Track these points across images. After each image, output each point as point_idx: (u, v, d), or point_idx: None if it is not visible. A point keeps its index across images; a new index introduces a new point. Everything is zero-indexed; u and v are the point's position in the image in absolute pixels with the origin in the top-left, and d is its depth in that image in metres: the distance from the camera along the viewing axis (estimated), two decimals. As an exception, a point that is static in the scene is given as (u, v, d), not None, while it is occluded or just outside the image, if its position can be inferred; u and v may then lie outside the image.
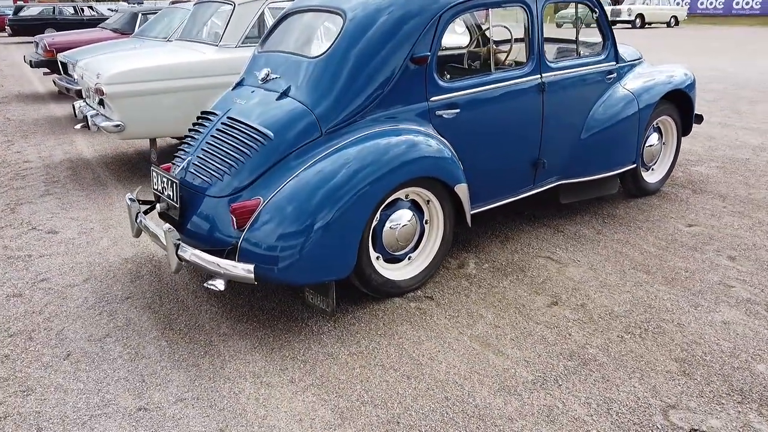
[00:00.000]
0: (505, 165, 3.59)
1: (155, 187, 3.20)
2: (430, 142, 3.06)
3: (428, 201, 3.21)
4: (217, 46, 5.50)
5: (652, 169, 4.60)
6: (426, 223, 3.26)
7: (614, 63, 4.12)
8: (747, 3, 30.91)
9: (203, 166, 3.00)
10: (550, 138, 3.73)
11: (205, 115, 3.31)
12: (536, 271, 3.44)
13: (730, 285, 3.23)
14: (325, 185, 2.77)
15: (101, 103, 5.28)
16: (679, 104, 4.55)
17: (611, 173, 4.10)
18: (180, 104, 5.27)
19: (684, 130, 4.66)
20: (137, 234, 3.35)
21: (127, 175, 5.69)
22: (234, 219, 2.76)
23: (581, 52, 3.98)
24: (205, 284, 2.79)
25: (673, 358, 2.62)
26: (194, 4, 6.52)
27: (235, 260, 2.75)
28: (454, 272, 3.46)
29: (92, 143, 6.99)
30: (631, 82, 4.22)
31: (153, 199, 3.52)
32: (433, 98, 3.19)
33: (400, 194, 3.07)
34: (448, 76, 3.31)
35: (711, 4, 32.18)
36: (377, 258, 3.07)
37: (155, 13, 10.40)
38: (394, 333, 2.86)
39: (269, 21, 6.25)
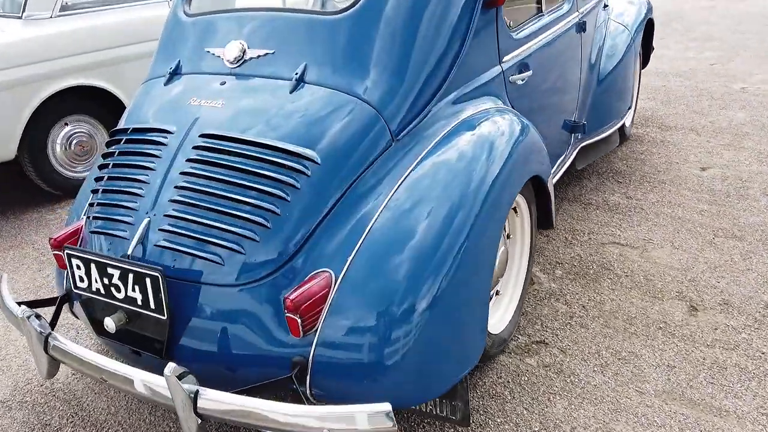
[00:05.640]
0: (556, 134, 2.72)
1: (83, 287, 1.71)
2: (526, 128, 2.04)
3: (514, 209, 2.22)
4: (20, 18, 3.64)
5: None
6: (508, 237, 2.28)
7: (604, -9, 3.43)
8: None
9: (191, 233, 1.62)
10: (583, 90, 2.94)
11: (141, 135, 1.85)
12: (622, 265, 2.68)
13: (823, 234, 2.81)
14: (427, 232, 1.62)
15: None
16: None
17: (620, 122, 3.47)
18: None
19: (644, 62, 4.22)
20: (51, 373, 1.82)
21: None
22: (298, 319, 1.50)
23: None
24: None
25: None
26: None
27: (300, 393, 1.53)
28: (531, 294, 2.55)
29: None
30: (615, 13, 3.58)
31: (44, 301, 2.02)
32: (505, 58, 2.16)
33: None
34: (510, 23, 2.27)
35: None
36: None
37: None
38: (556, 421, 1.89)
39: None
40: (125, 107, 4.08)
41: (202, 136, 1.73)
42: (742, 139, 3.96)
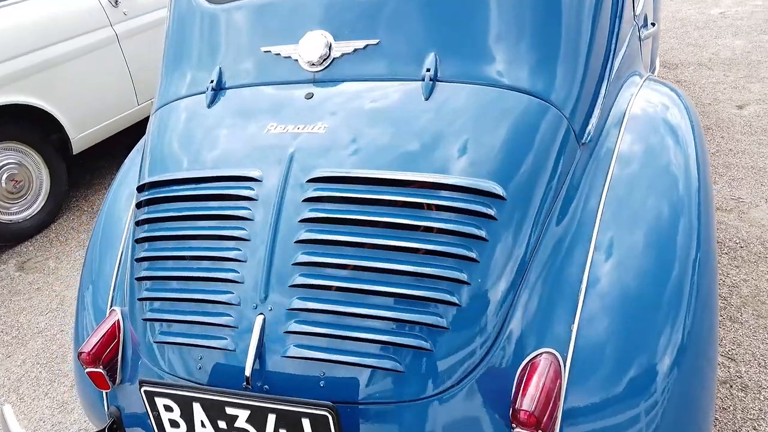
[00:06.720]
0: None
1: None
2: (681, 95, 1.61)
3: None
4: None
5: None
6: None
7: None
8: None
9: (339, 333, 1.08)
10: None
11: (197, 188, 1.25)
12: (728, 234, 2.34)
13: None
14: (657, 261, 1.17)
15: None
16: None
17: (656, 70, 3.11)
18: None
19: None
20: None
21: None
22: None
23: None
24: None
25: None
26: None
27: None
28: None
29: None
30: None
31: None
32: (637, 11, 1.70)
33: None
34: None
35: None
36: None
37: None
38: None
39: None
40: (60, 123, 3.30)
41: (313, 180, 1.16)
42: (758, 68, 3.74)
